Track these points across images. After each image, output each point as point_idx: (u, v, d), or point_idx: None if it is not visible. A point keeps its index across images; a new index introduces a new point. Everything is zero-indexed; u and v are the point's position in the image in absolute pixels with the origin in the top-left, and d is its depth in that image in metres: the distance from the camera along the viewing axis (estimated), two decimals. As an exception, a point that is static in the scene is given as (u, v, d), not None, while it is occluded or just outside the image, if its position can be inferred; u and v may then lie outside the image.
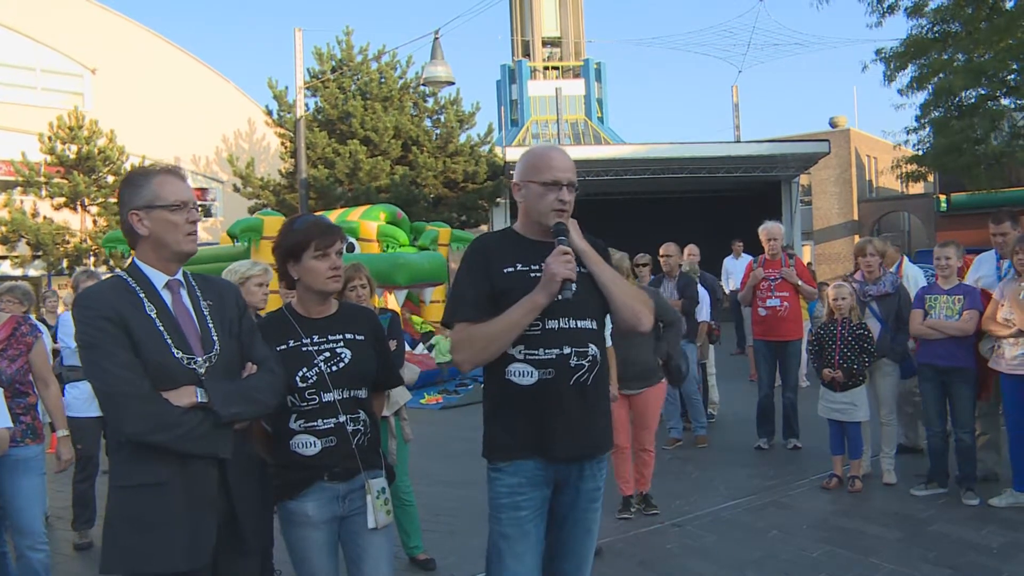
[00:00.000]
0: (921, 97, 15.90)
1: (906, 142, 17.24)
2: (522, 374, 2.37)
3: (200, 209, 2.31)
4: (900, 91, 15.72)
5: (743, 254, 11.84)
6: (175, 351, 2.16)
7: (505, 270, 2.40)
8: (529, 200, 2.45)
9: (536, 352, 2.35)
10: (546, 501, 2.43)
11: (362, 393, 2.57)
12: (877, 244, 5.82)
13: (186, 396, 2.12)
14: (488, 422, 2.49)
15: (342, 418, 2.49)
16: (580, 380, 2.37)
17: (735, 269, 11.09)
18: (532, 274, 2.37)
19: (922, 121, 16.25)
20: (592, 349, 2.40)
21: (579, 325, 2.39)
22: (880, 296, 5.63)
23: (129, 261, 2.31)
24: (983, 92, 15.23)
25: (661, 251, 6.88)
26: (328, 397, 2.47)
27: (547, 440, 2.36)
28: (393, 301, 11.07)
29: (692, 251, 8.75)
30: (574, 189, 2.45)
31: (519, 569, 2.37)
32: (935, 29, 15.15)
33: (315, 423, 2.47)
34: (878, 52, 15.91)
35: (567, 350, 2.36)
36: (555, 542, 2.49)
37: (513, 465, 2.39)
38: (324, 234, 2.51)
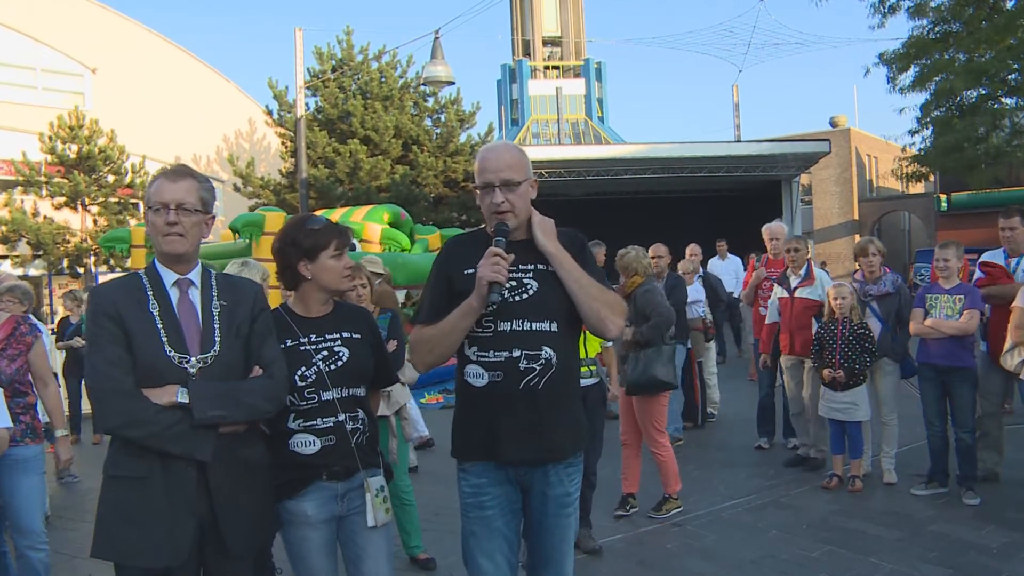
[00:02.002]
0: (922, 98, 15.91)
1: (911, 144, 17.25)
2: (475, 376, 2.36)
3: (197, 212, 2.28)
4: (901, 91, 15.72)
5: (729, 255, 11.70)
6: (168, 349, 2.19)
7: (466, 271, 2.36)
8: (479, 203, 2.44)
9: (486, 354, 2.34)
10: (514, 499, 2.41)
11: (361, 391, 2.58)
12: (878, 245, 5.81)
13: (167, 395, 2.15)
14: (454, 422, 2.50)
15: (341, 417, 2.49)
16: (530, 384, 2.32)
17: (721, 271, 10.88)
18: None
19: (923, 121, 16.25)
20: (546, 352, 2.33)
21: (534, 327, 2.33)
22: (881, 296, 5.62)
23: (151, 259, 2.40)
24: (984, 92, 15.22)
25: (651, 252, 6.88)
26: (327, 396, 2.48)
27: (496, 442, 2.33)
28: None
29: (694, 251, 8.74)
30: (513, 187, 2.35)
31: (490, 567, 2.38)
32: (936, 29, 15.14)
33: (314, 422, 2.47)
34: (880, 56, 15.91)
35: (516, 353, 2.31)
36: (531, 549, 2.48)
37: (476, 466, 2.40)
38: (343, 234, 2.59)
